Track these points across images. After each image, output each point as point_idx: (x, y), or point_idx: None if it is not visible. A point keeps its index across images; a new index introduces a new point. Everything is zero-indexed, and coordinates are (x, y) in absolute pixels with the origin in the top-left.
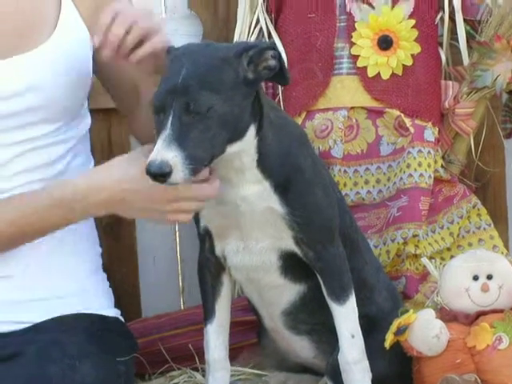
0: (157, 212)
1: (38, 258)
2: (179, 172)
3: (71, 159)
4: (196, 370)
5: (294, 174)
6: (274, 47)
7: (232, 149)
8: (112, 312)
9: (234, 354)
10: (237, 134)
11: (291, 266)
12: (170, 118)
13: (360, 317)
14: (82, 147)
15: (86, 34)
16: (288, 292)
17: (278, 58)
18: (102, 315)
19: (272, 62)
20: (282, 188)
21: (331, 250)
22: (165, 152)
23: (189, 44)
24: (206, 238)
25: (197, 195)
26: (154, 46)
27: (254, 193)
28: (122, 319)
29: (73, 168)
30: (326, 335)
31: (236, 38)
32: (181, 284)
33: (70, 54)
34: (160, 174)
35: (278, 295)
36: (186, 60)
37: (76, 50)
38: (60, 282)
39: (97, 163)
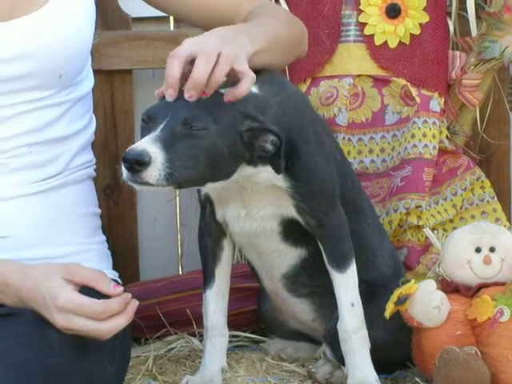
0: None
1: (35, 219)
2: (156, 170)
3: (67, 124)
4: (193, 335)
5: (297, 149)
6: (278, 135)
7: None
8: (110, 274)
9: (233, 321)
10: (217, 174)
11: (292, 231)
12: (162, 125)
13: (360, 282)
14: (79, 110)
15: (89, 1)
16: (289, 256)
17: (279, 146)
18: None
19: (269, 147)
20: (287, 165)
21: (332, 217)
22: (148, 144)
23: None
24: (206, 204)
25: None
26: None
27: (261, 178)
28: (120, 281)
29: (72, 133)
30: (325, 298)
31: None
32: (179, 249)
33: (68, 22)
34: (137, 161)
35: (278, 259)
36: None
37: (76, 17)
38: (58, 243)
39: (99, 125)
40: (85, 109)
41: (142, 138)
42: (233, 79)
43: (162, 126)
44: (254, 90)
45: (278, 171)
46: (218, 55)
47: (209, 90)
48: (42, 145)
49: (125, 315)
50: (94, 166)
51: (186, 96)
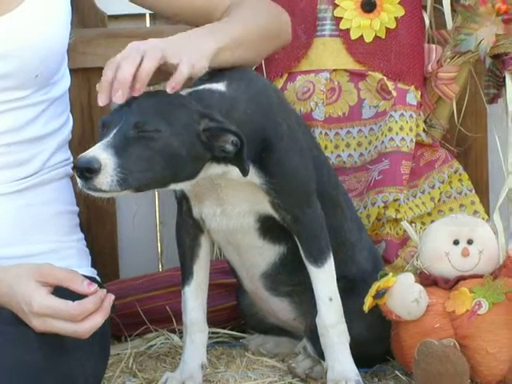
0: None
1: (13, 217)
2: (107, 175)
3: (45, 123)
4: (173, 331)
5: (270, 145)
6: (238, 135)
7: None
8: (88, 271)
9: (213, 317)
10: (180, 175)
11: (269, 227)
12: (115, 130)
13: (339, 278)
14: (56, 109)
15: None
16: (267, 253)
17: (240, 146)
18: None
19: (229, 147)
20: (259, 161)
21: (308, 212)
22: (98, 151)
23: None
24: (183, 201)
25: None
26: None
27: (235, 175)
28: (99, 279)
29: (49, 132)
30: (306, 296)
31: None
32: (159, 246)
33: (44, 22)
34: (87, 169)
35: (257, 256)
36: (147, 94)
37: (52, 17)
38: (36, 241)
39: (76, 124)
40: (62, 108)
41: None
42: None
43: (114, 131)
44: (222, 88)
45: (243, 173)
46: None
47: (138, 87)
48: (21, 144)
49: (101, 312)
50: (72, 165)
51: (114, 98)
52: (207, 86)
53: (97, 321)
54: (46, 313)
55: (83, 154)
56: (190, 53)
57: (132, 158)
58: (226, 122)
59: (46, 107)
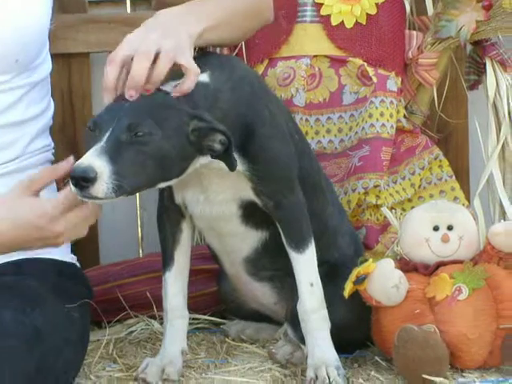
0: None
1: None
2: (103, 183)
3: (26, 108)
4: (153, 317)
5: (252, 132)
6: (225, 134)
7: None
8: (68, 258)
9: (193, 303)
10: (168, 176)
11: (252, 214)
12: (107, 134)
13: (321, 263)
14: (37, 94)
15: None
16: (249, 239)
17: (227, 145)
18: (57, 260)
19: (217, 147)
20: (242, 147)
21: (291, 199)
22: (93, 159)
23: None
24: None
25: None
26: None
27: (219, 163)
28: (79, 265)
29: (30, 117)
30: (287, 281)
31: None
32: (140, 232)
33: (24, 7)
34: (83, 178)
35: (239, 242)
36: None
37: (32, 2)
38: None
39: (57, 109)
40: (43, 93)
41: (87, 147)
42: (181, 72)
43: (107, 134)
44: (205, 79)
45: (230, 168)
46: (158, 52)
47: (150, 87)
48: (1, 128)
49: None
50: (53, 151)
51: (127, 95)
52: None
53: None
54: (62, 208)
55: (78, 162)
56: (183, 48)
57: (126, 164)
58: (215, 122)
59: (26, 91)
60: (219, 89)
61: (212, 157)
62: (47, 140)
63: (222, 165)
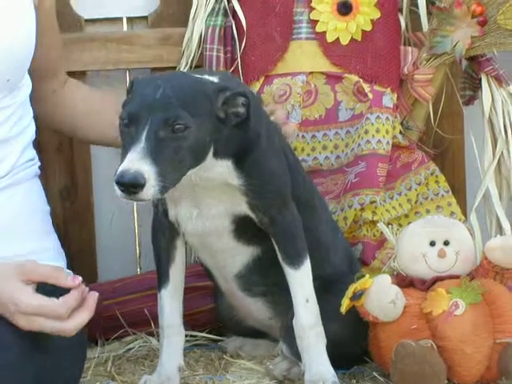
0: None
1: None
2: (151, 187)
3: (12, 125)
4: (151, 334)
5: (251, 147)
6: (245, 95)
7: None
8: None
9: (190, 320)
10: (199, 161)
11: (244, 229)
12: (145, 132)
13: (315, 278)
14: (22, 112)
15: (30, 8)
16: (241, 255)
17: (247, 106)
18: None
19: (241, 110)
20: (241, 161)
21: (285, 214)
22: (139, 163)
23: (159, 74)
24: (158, 202)
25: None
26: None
27: (215, 172)
28: None
29: (17, 134)
30: (281, 296)
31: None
32: (138, 249)
33: (15, 29)
34: (133, 185)
35: (231, 258)
36: (163, 82)
37: (17, 27)
38: (13, 243)
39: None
40: (26, 110)
41: (124, 143)
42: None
43: (145, 133)
44: (216, 80)
45: (247, 131)
46: None
47: None
48: None
49: (87, 310)
50: (39, 164)
51: None
52: (202, 76)
53: (83, 318)
54: (34, 312)
55: (124, 167)
56: None
57: (167, 163)
58: (236, 84)
59: (14, 110)
60: None
61: (218, 155)
62: (32, 153)
63: (220, 173)
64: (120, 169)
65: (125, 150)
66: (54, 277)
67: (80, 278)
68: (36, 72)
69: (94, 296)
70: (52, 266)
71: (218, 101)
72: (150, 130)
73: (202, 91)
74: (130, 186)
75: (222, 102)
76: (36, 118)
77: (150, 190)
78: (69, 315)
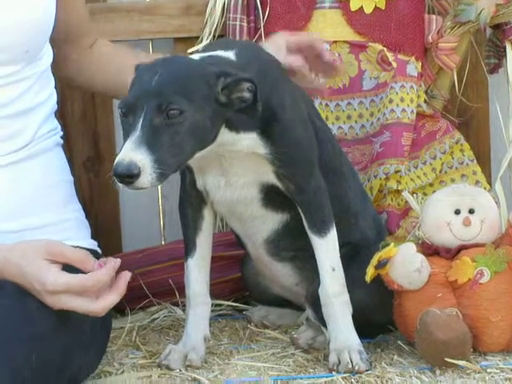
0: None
1: (8, 191)
2: (147, 175)
3: (33, 96)
4: (176, 304)
5: (276, 116)
6: (251, 80)
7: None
8: (89, 243)
9: (216, 289)
10: (204, 144)
11: (272, 197)
12: (141, 120)
13: (343, 243)
14: (43, 82)
15: None
16: (270, 221)
17: (254, 91)
18: (78, 246)
19: (246, 95)
20: (265, 131)
21: (312, 183)
22: (133, 153)
23: (162, 57)
24: (186, 172)
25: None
26: None
27: (242, 145)
28: (100, 251)
29: (38, 104)
30: (308, 262)
31: None
32: (162, 220)
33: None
34: (127, 175)
35: (260, 225)
36: (160, 68)
37: None
38: (33, 214)
39: (78, 97)
40: (48, 80)
41: (123, 133)
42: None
43: (140, 121)
44: (231, 56)
45: (256, 113)
46: None
47: None
48: (12, 117)
49: (116, 291)
50: (61, 133)
51: None
52: (216, 52)
53: (113, 299)
54: (61, 290)
55: (119, 158)
56: None
57: (164, 149)
58: (239, 72)
59: (34, 81)
60: (244, 69)
61: (236, 128)
62: (54, 123)
63: (245, 145)
64: (116, 160)
65: (124, 138)
66: (81, 262)
67: (109, 263)
68: (56, 36)
69: (125, 276)
70: (79, 250)
71: (218, 85)
72: (146, 117)
73: (200, 76)
74: (125, 176)
75: (222, 87)
76: (56, 86)
77: (147, 178)
78: (98, 296)
